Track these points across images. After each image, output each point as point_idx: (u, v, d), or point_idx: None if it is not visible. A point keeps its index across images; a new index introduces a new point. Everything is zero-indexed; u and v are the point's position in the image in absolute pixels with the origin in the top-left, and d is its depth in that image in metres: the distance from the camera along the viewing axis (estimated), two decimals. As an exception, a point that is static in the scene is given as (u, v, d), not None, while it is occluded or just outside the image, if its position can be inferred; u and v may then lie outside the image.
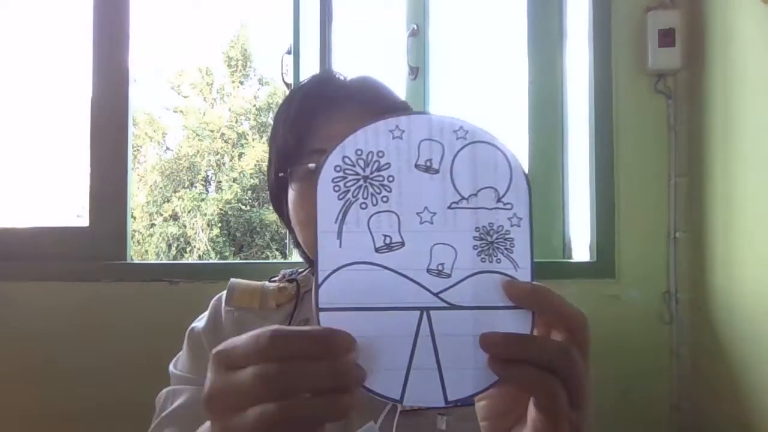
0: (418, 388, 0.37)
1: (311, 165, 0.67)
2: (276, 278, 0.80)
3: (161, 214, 10.84)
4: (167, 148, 11.86)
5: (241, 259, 9.89)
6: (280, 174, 0.70)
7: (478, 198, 0.38)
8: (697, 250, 1.37)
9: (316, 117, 0.68)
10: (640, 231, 1.42)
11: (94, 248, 1.41)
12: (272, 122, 0.74)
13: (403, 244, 0.38)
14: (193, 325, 0.76)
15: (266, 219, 10.36)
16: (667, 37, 1.37)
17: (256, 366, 0.35)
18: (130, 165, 1.46)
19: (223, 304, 0.75)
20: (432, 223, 0.38)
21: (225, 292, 0.77)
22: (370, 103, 0.69)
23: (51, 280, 1.35)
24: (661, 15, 1.38)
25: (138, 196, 10.77)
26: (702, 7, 1.34)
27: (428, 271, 0.38)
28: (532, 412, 0.39)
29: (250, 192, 10.94)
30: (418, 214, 0.38)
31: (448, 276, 0.38)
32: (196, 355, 0.73)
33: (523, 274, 0.38)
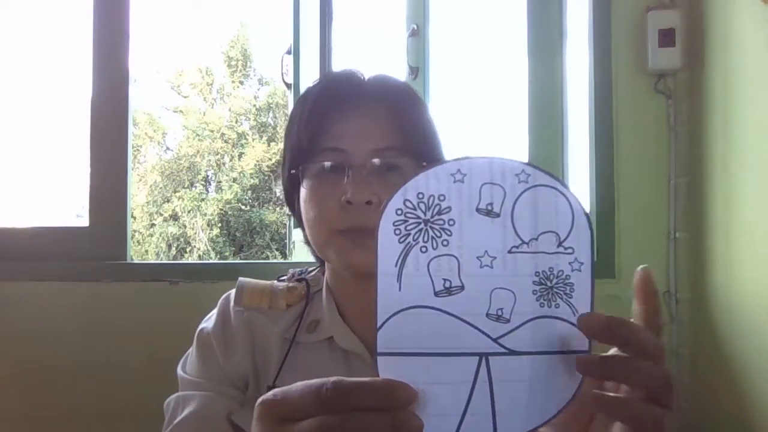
0: (471, 430, 0.37)
1: (327, 163, 0.67)
2: (284, 277, 0.79)
3: (161, 214, 10.85)
4: (167, 148, 11.87)
5: (241, 259, 9.90)
6: (292, 171, 0.69)
7: (539, 242, 0.38)
8: (697, 250, 1.37)
9: (331, 116, 0.67)
10: (640, 231, 1.42)
11: (94, 248, 1.41)
12: (288, 119, 0.74)
13: (462, 288, 0.37)
14: (202, 326, 0.75)
15: (266, 219, 10.36)
16: (667, 37, 1.36)
17: (316, 419, 0.35)
18: (130, 165, 1.46)
19: (232, 304, 0.74)
20: (492, 267, 0.38)
21: (233, 291, 0.76)
22: (385, 101, 0.69)
23: (51, 280, 1.35)
24: (661, 15, 1.38)
25: (138, 196, 10.77)
26: (702, 7, 1.34)
27: (488, 315, 0.38)
28: None
29: (250, 192, 10.94)
30: (478, 258, 0.38)
31: (507, 321, 0.38)
32: (205, 359, 0.72)
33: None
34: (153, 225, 10.80)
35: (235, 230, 10.65)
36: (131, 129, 1.48)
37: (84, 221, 1.45)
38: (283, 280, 0.78)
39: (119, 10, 1.46)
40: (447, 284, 0.37)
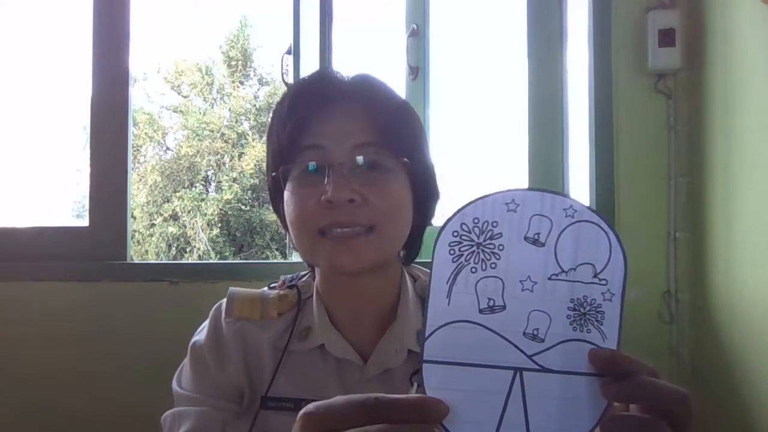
0: None
1: (309, 164, 0.66)
2: (275, 284, 0.78)
3: (161, 214, 10.84)
4: (167, 148, 11.86)
5: (241, 259, 9.89)
6: (273, 174, 0.69)
7: (577, 272, 0.42)
8: (697, 250, 1.37)
9: (310, 115, 0.67)
10: (640, 231, 1.41)
11: (94, 248, 1.41)
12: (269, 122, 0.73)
13: (504, 307, 0.41)
14: (195, 339, 0.75)
15: (266, 219, 10.36)
16: (667, 37, 1.36)
17: (360, 428, 0.37)
18: (130, 165, 1.46)
19: (223, 315, 0.74)
20: (532, 291, 0.41)
21: (224, 301, 0.75)
22: (366, 101, 0.68)
23: (51, 280, 1.35)
24: (661, 15, 1.38)
25: (138, 196, 10.77)
26: (702, 7, 1.34)
27: (524, 334, 0.41)
28: None
29: (250, 192, 10.94)
30: (521, 281, 0.41)
31: (542, 341, 0.41)
32: (199, 373, 0.72)
33: (610, 345, 0.41)
34: (153, 225, 10.78)
35: (235, 230, 10.64)
36: (131, 129, 1.48)
37: (84, 221, 1.45)
38: (274, 287, 0.77)
39: (119, 10, 1.46)
40: (491, 303, 0.41)
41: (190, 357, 0.74)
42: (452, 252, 0.41)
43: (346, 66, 0.73)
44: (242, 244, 10.66)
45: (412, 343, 0.69)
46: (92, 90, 1.45)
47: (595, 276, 0.42)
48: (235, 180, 10.96)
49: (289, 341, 0.71)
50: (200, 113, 11.88)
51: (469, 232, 0.41)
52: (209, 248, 10.37)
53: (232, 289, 0.76)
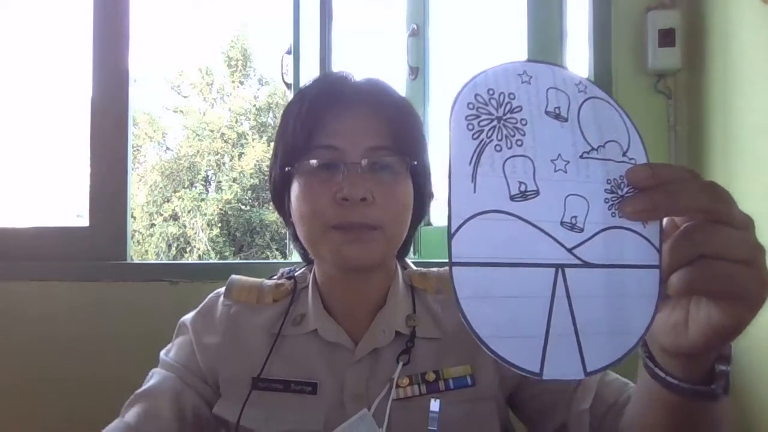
0: (557, 359, 0.34)
1: (314, 161, 0.68)
2: (275, 277, 0.82)
3: (161, 214, 10.85)
4: (167, 148, 11.87)
5: (241, 259, 9.89)
6: (287, 168, 0.71)
7: (606, 150, 0.37)
8: (697, 250, 1.37)
9: (326, 115, 0.69)
10: (640, 231, 1.41)
11: (94, 248, 1.41)
12: (280, 118, 0.75)
13: (537, 192, 0.35)
14: (185, 317, 0.80)
15: (266, 219, 10.37)
16: (667, 37, 1.37)
17: None
18: (130, 165, 1.46)
19: (222, 298, 0.78)
20: (566, 171, 0.36)
21: (224, 287, 0.80)
22: (378, 104, 0.71)
23: (51, 280, 1.35)
24: (661, 15, 1.38)
25: (138, 196, 10.78)
26: (702, 7, 1.34)
27: (562, 224, 0.35)
28: (710, 311, 0.39)
29: (250, 192, 10.95)
30: (552, 161, 0.36)
31: (581, 230, 0.36)
32: (179, 345, 0.78)
33: (651, 232, 0.36)
34: (153, 225, 10.79)
35: (235, 230, 10.65)
36: (131, 129, 1.48)
37: (84, 221, 1.45)
38: (273, 279, 0.82)
39: (119, 10, 1.46)
40: (522, 188, 0.35)
41: (176, 332, 0.80)
42: (471, 127, 0.35)
43: (346, 66, 0.74)
44: (242, 244, 10.67)
45: (399, 325, 0.73)
46: (92, 90, 1.45)
47: (624, 155, 0.37)
48: (235, 180, 10.97)
49: (282, 326, 0.74)
50: (200, 113, 11.89)
51: (486, 104, 0.36)
52: (209, 248, 10.38)
53: (233, 276, 0.81)
